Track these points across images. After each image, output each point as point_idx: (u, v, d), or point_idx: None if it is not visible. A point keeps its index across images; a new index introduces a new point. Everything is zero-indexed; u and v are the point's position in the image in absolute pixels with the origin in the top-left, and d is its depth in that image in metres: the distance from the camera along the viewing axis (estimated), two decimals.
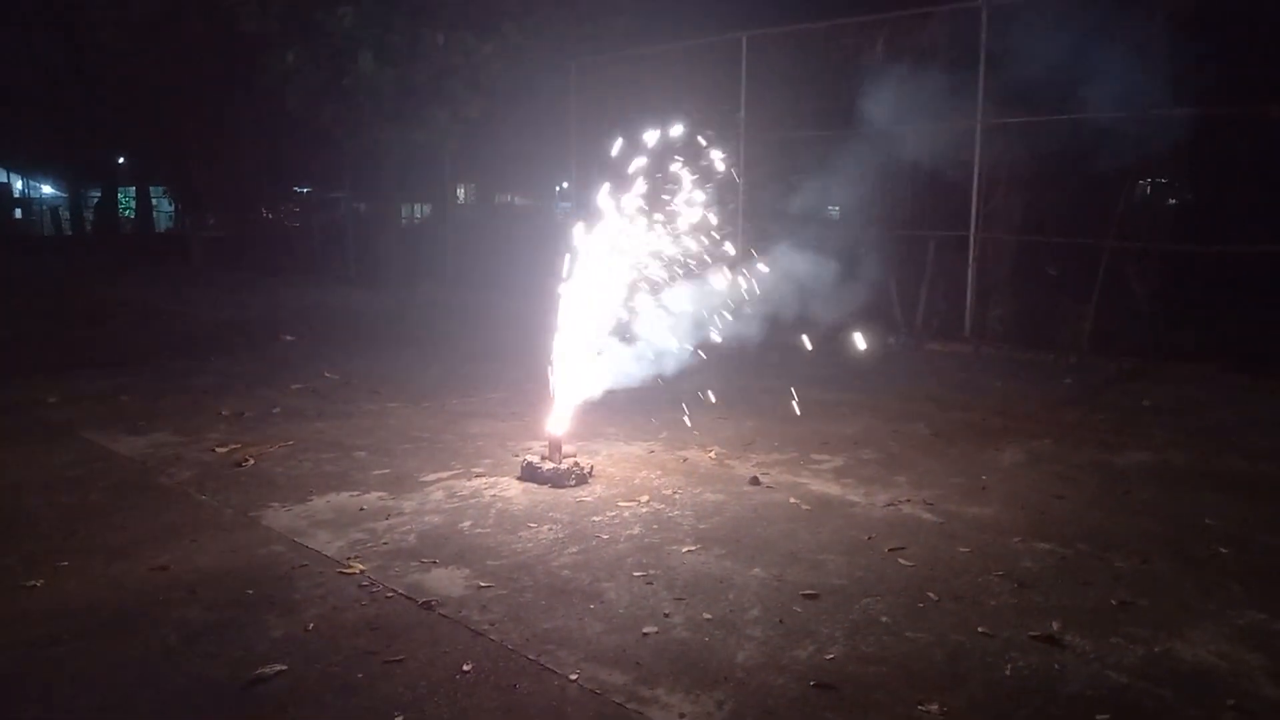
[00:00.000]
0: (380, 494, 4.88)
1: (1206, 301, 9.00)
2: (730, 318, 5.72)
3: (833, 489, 5.05)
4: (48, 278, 17.71)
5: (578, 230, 5.18)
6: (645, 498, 4.83)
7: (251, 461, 5.44)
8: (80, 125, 23.81)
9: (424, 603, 3.55)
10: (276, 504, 4.71)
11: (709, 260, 5.51)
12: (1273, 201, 9.00)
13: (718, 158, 5.45)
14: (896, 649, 3.22)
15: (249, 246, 20.69)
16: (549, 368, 5.38)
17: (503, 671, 3.06)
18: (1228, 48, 7.54)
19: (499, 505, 4.71)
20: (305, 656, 3.14)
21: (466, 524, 4.44)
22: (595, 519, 4.51)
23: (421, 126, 13.66)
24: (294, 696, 2.91)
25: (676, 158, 5.30)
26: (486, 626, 3.36)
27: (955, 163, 9.28)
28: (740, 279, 5.79)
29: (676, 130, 5.23)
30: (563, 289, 5.20)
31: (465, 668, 3.07)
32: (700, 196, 5.41)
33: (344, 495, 4.86)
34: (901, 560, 4.02)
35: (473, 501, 4.77)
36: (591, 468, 5.18)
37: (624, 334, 5.41)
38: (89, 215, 31.52)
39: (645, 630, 3.34)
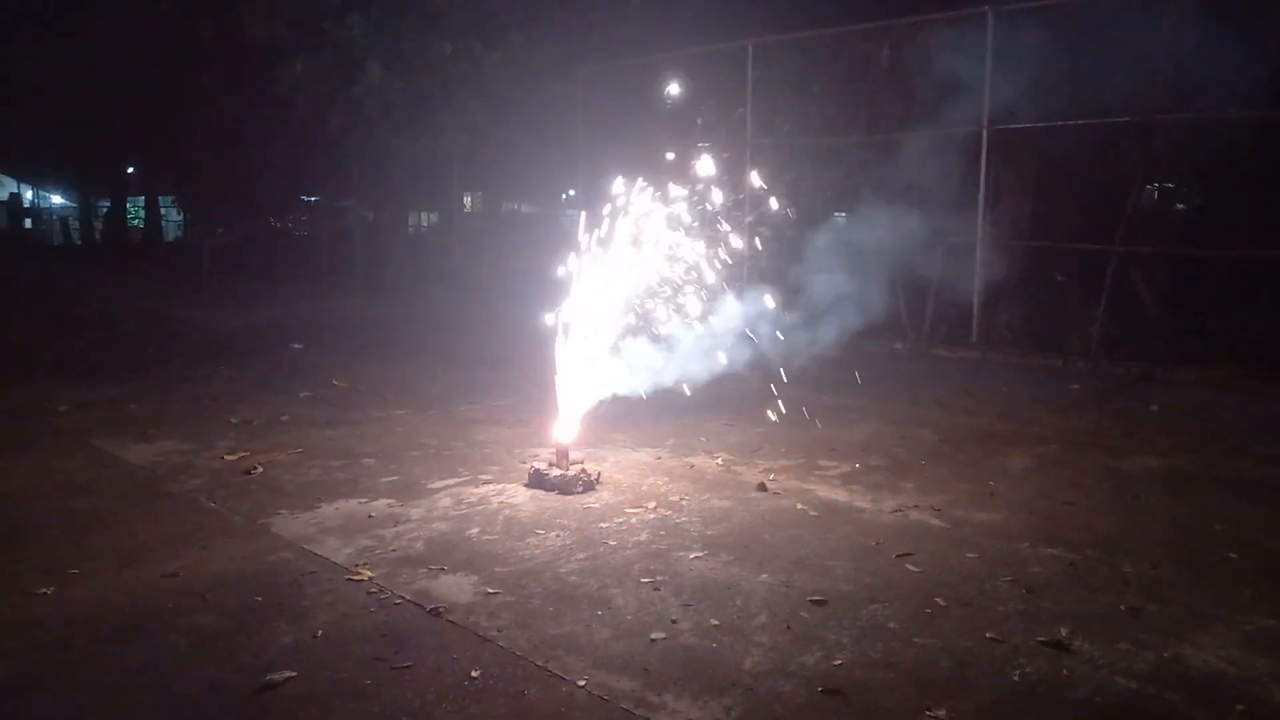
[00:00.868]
0: (389, 501, 4.90)
1: (1215, 306, 8.98)
2: (752, 335, 5.75)
3: (840, 495, 5.05)
4: (58, 286, 17.82)
5: (580, 229, 5.22)
6: (652, 504, 4.83)
7: (260, 469, 5.46)
8: (90, 134, 23.93)
9: (432, 609, 3.56)
10: (285, 511, 4.73)
11: (721, 284, 5.53)
12: None
13: (756, 181, 5.48)
14: (904, 655, 3.22)
15: (257, 255, 20.79)
16: (555, 375, 5.39)
17: (511, 678, 3.07)
18: (1234, 50, 7.52)
19: (506, 512, 4.72)
20: (314, 663, 3.15)
21: (474, 531, 4.45)
22: (603, 525, 4.52)
23: (429, 135, 13.72)
24: (303, 703, 2.93)
25: (684, 186, 5.34)
26: (494, 633, 3.37)
27: (961, 167, 9.27)
28: (765, 297, 5.83)
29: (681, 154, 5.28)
30: (563, 304, 5.24)
31: (473, 674, 3.08)
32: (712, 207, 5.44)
33: (352, 502, 4.88)
34: (909, 566, 4.02)
35: (480, 508, 4.78)
36: (599, 474, 5.19)
37: (636, 338, 5.42)
38: (98, 225, 31.66)
39: (653, 636, 3.34)
